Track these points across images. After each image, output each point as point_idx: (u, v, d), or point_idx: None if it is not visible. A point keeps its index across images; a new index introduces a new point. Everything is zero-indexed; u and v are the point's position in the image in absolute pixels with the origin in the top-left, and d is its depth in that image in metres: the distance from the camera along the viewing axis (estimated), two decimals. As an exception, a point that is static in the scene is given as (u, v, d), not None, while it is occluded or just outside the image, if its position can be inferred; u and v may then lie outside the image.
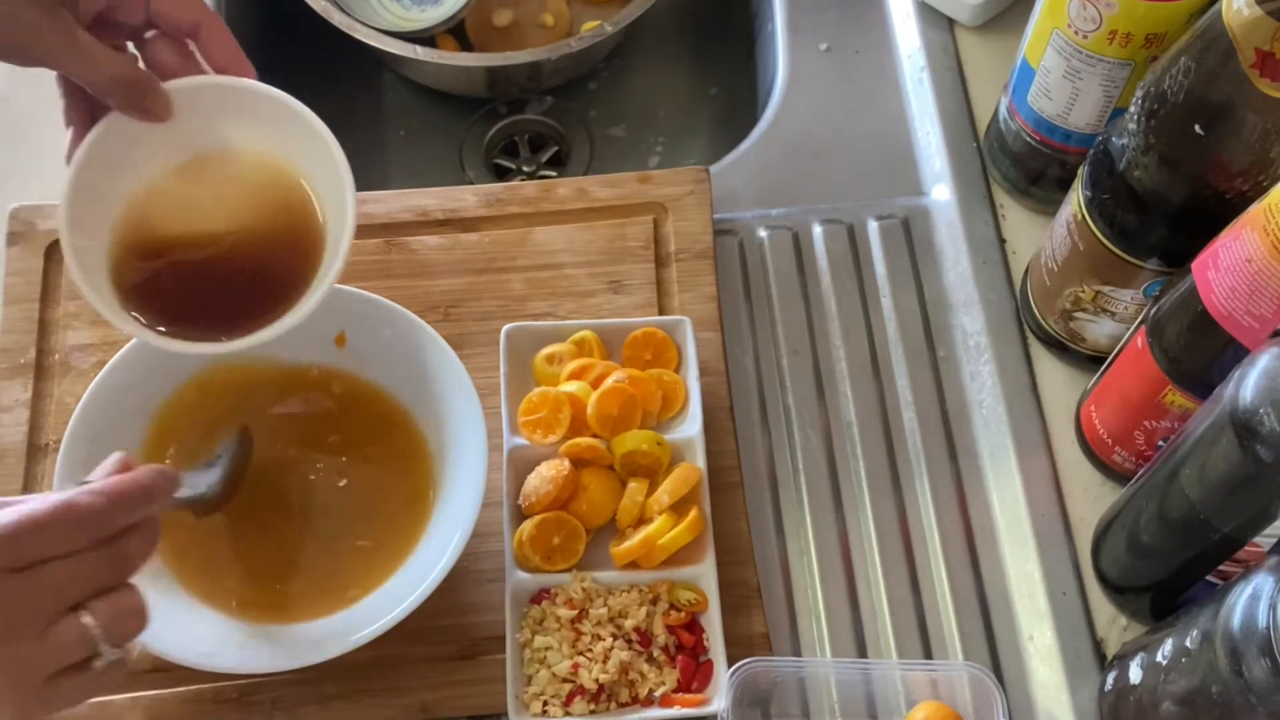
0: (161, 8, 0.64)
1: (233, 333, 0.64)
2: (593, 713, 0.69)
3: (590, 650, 0.70)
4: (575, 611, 0.71)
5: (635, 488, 0.74)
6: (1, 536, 0.52)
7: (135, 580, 0.57)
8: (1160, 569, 0.69)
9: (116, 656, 0.55)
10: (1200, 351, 0.64)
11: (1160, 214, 0.67)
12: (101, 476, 0.58)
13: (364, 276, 0.82)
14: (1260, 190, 0.61)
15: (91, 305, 0.63)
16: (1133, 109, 0.66)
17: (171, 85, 0.65)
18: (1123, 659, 0.68)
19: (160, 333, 0.64)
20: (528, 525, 0.73)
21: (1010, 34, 0.91)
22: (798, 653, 0.74)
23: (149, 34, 0.66)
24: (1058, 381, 0.81)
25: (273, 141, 0.67)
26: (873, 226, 0.87)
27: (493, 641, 0.72)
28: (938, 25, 0.95)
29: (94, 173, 0.64)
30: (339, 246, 0.64)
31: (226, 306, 0.65)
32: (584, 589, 0.72)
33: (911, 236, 0.87)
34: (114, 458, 0.59)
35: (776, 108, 0.94)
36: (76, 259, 0.63)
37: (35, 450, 0.78)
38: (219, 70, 0.66)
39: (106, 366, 0.72)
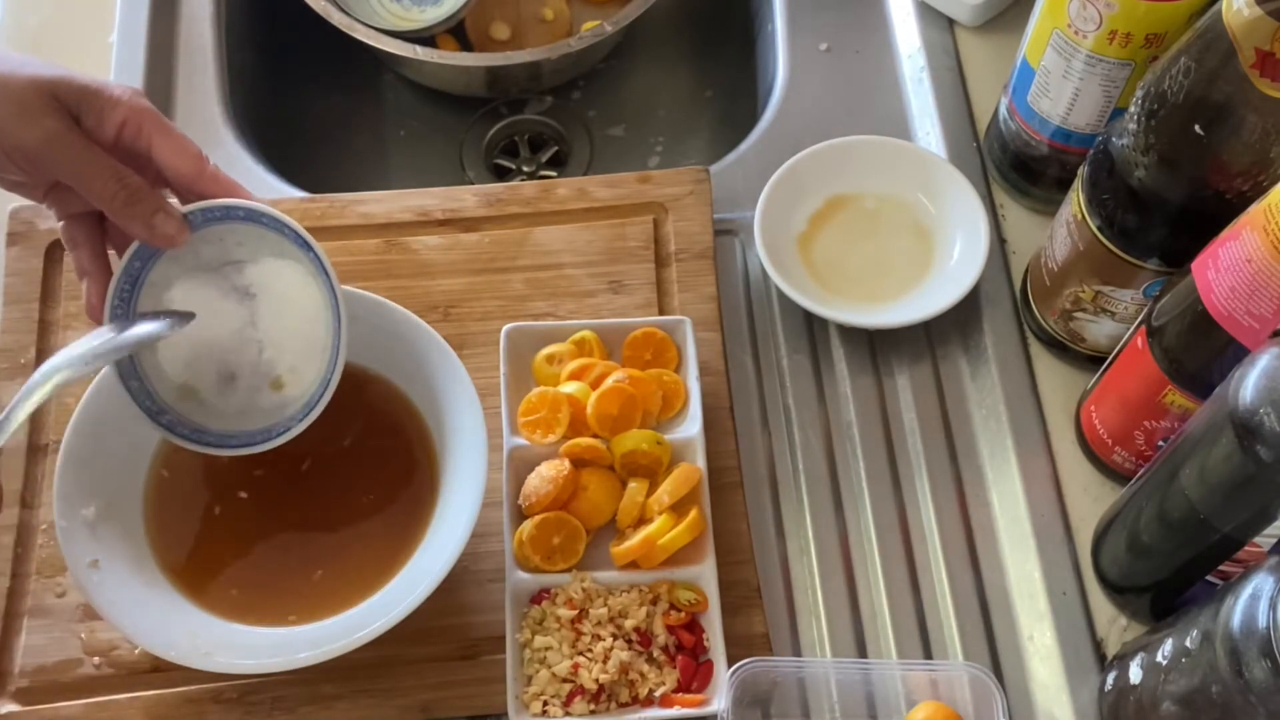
0: (165, 157, 0.63)
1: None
2: (593, 713, 0.69)
3: (590, 650, 0.70)
4: (575, 611, 0.71)
5: (635, 488, 0.74)
6: None
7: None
8: (1160, 569, 0.69)
9: None
10: (1200, 351, 0.64)
11: (1160, 214, 0.67)
12: None
13: (364, 276, 0.82)
14: (1260, 190, 0.61)
15: None
16: (1133, 109, 0.66)
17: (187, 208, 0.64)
18: (1123, 659, 0.68)
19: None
20: (528, 525, 0.73)
21: (1010, 34, 0.91)
22: (798, 653, 0.73)
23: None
24: (1058, 381, 0.81)
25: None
26: (873, 226, 0.87)
27: (493, 641, 0.72)
28: (938, 25, 0.95)
29: None
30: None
31: None
32: (584, 589, 0.72)
33: (911, 236, 0.87)
34: None
35: (776, 108, 0.94)
36: None
37: (35, 450, 0.78)
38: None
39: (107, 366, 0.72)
